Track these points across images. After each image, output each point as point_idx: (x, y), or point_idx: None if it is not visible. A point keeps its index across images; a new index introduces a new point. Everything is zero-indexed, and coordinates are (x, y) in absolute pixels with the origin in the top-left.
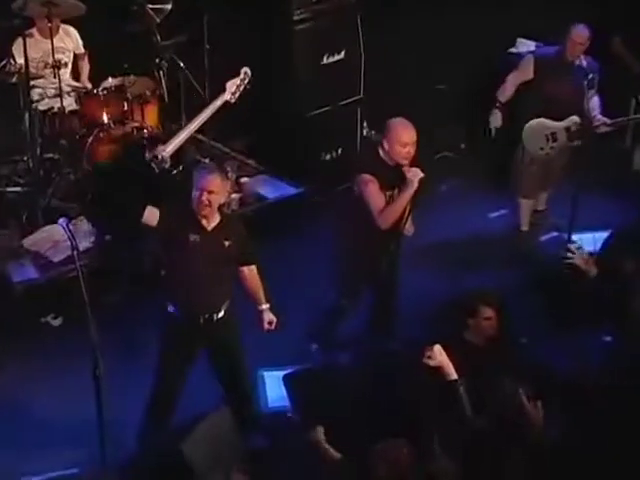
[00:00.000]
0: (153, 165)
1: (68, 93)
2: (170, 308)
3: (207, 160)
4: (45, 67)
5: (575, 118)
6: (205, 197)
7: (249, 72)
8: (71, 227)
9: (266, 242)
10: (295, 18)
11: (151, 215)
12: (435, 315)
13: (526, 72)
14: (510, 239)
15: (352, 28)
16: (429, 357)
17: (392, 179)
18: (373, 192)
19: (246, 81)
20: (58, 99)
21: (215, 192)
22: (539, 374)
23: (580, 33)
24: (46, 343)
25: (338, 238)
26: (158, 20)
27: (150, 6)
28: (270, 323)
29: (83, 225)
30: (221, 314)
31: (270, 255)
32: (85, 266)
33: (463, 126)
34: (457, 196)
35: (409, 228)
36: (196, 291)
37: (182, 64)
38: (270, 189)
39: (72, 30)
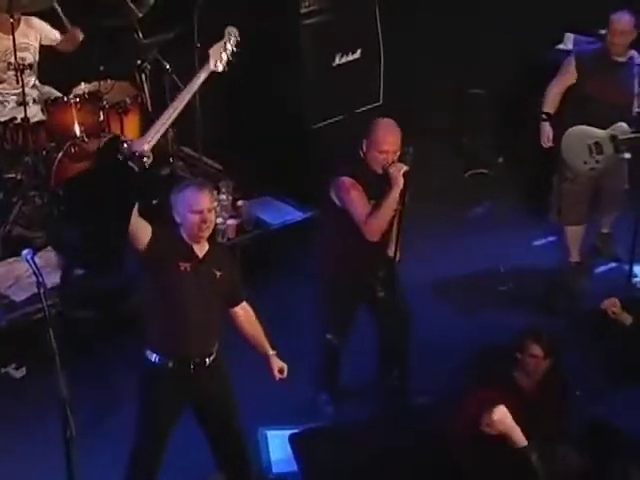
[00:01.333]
0: (131, 164)
1: (34, 100)
2: (151, 354)
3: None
4: (8, 69)
5: (623, 125)
6: (208, 217)
7: (235, 32)
8: (37, 260)
9: (267, 277)
10: (302, 10)
11: (142, 230)
12: (471, 360)
13: (569, 75)
14: (559, 272)
15: (369, 22)
16: (488, 425)
17: (377, 187)
18: (356, 198)
19: (233, 42)
20: (21, 108)
21: (212, 209)
22: (599, 434)
23: (621, 20)
24: (6, 398)
25: (319, 261)
26: (140, 14)
27: None
28: (281, 371)
29: (51, 257)
30: (213, 357)
31: (272, 293)
32: (53, 306)
33: (501, 137)
34: (494, 220)
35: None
36: (186, 330)
37: (168, 66)
38: (273, 213)
39: (35, 20)
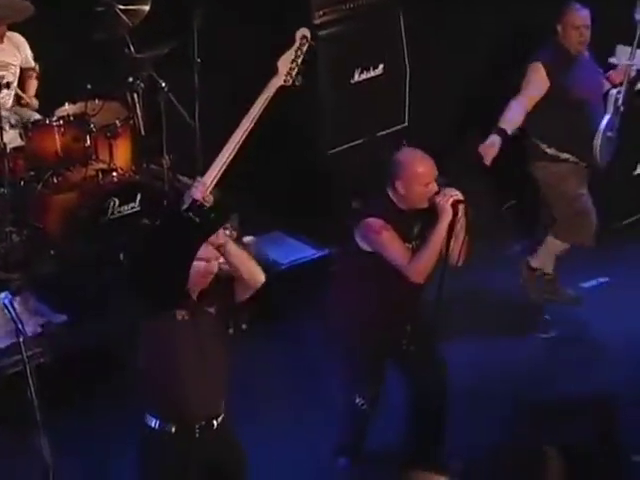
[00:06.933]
0: (192, 216)
1: (10, 124)
2: (150, 418)
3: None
4: None
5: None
6: (213, 268)
7: (308, 34)
8: (16, 305)
9: (277, 324)
10: (316, 21)
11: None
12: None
13: (541, 84)
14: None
15: (393, 33)
16: None
17: (410, 229)
18: (390, 239)
19: (305, 48)
20: None
21: (218, 258)
22: None
23: (579, 14)
24: None
25: (338, 316)
26: (132, 25)
27: (121, 7)
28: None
29: (31, 302)
30: (220, 419)
31: (283, 342)
32: (34, 357)
33: None
34: None
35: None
36: (188, 389)
37: (164, 84)
38: (284, 251)
39: (19, 39)
